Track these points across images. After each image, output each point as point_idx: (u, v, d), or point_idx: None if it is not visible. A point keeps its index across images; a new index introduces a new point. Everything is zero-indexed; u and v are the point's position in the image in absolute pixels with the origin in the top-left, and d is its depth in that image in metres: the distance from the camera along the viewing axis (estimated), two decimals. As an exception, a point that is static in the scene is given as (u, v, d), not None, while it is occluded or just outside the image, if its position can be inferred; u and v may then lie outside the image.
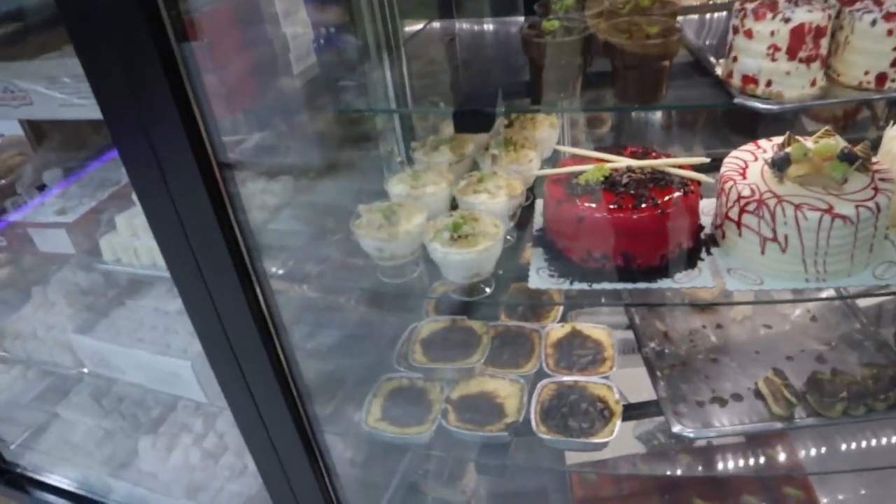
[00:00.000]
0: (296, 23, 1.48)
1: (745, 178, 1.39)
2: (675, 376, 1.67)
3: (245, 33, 1.41)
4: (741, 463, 1.79)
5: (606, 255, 1.37)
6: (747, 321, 1.82)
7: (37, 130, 2.30)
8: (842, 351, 1.67)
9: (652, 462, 1.79)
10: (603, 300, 1.56)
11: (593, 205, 1.37)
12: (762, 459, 1.79)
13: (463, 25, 1.83)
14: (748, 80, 1.20)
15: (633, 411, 1.69)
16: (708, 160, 1.45)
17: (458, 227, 1.41)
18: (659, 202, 1.35)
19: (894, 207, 1.32)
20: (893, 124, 1.50)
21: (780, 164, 1.35)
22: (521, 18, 1.56)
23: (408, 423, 1.71)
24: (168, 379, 1.86)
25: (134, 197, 1.32)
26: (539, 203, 1.64)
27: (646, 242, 1.36)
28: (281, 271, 1.61)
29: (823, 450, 1.86)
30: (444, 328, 1.92)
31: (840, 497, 1.89)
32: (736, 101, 1.20)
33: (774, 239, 1.30)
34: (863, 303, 1.78)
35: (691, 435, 1.52)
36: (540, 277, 1.43)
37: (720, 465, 1.77)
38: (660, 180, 1.42)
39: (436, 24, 1.86)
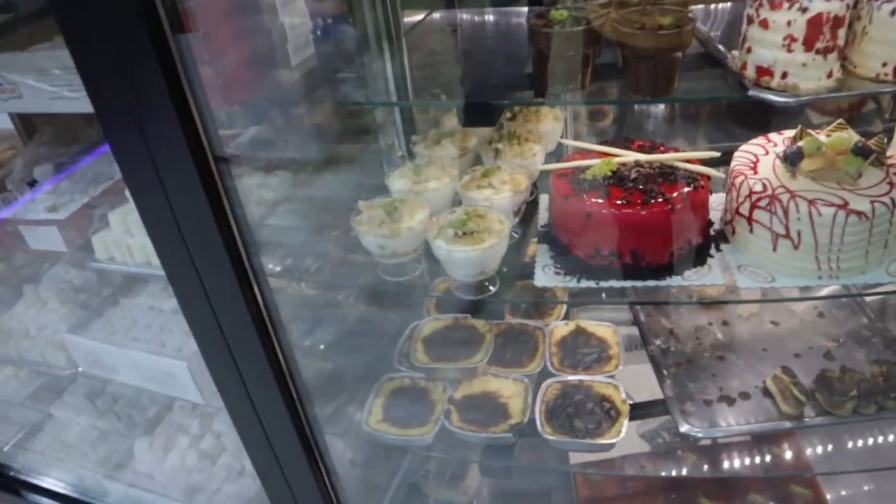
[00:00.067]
0: (294, 12, 1.45)
1: (756, 172, 1.36)
2: (682, 374, 1.64)
3: (242, 23, 1.38)
4: (748, 462, 1.76)
5: (614, 251, 1.34)
6: (754, 318, 1.80)
7: (27, 124, 2.26)
8: (850, 348, 1.65)
9: (657, 461, 1.76)
10: (611, 298, 1.53)
11: (601, 200, 1.34)
12: (769, 458, 1.76)
13: (464, 16, 1.79)
14: (763, 71, 1.16)
15: (638, 410, 1.66)
16: (718, 154, 1.42)
17: (465, 223, 1.38)
18: (669, 198, 1.32)
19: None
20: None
21: (792, 159, 1.32)
22: (524, 9, 1.52)
23: (410, 424, 1.69)
24: (163, 379, 1.83)
25: (127, 193, 1.29)
26: (543, 198, 1.61)
27: (655, 239, 1.33)
28: (279, 268, 1.58)
29: (830, 447, 1.84)
30: (446, 326, 1.89)
31: (847, 494, 1.87)
32: (750, 93, 1.16)
33: (787, 235, 1.27)
34: (868, 297, 1.76)
35: (699, 434, 1.50)
36: (546, 275, 1.40)
37: (726, 465, 1.74)
38: (669, 175, 1.38)
39: (437, 15, 1.83)
